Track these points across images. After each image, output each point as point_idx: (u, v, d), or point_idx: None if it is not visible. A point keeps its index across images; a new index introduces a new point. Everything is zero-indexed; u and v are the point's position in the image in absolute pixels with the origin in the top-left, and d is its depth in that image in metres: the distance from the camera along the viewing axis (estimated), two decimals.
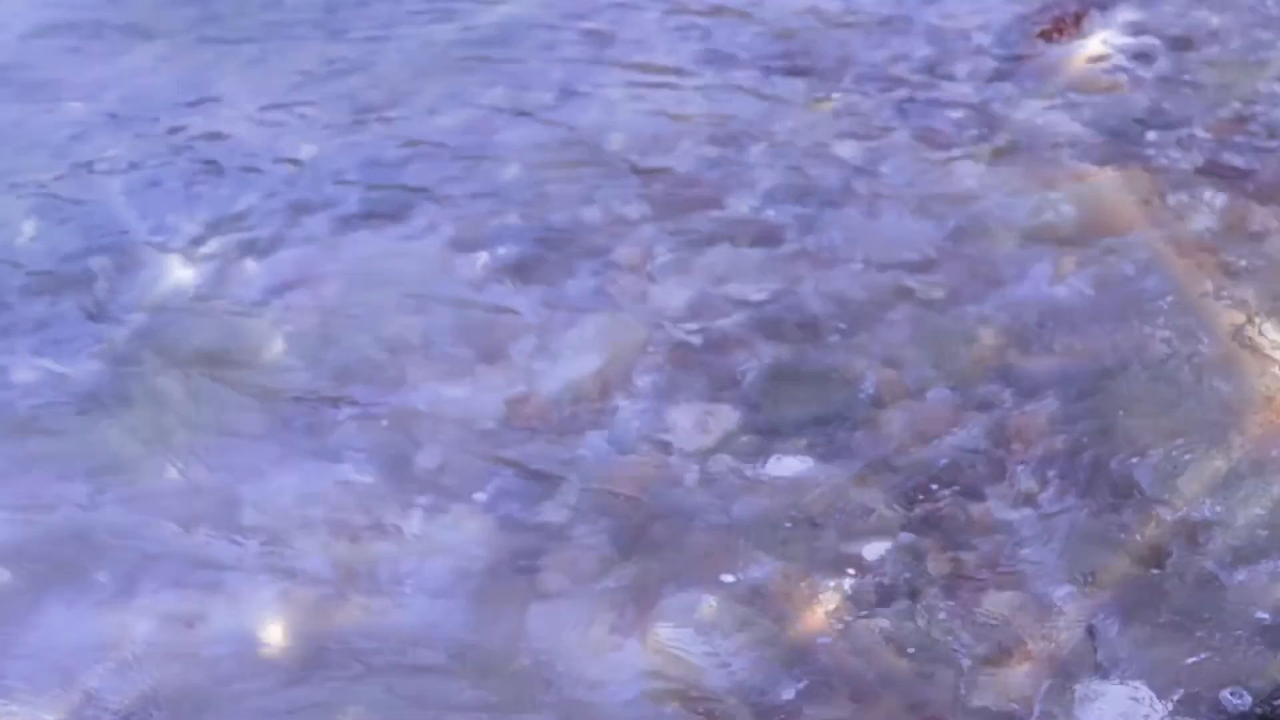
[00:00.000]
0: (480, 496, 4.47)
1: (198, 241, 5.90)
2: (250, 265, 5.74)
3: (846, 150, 6.14)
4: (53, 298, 5.65)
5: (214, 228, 5.99)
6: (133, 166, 6.58)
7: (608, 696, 3.81)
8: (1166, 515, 4.12)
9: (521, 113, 6.63)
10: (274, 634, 4.11)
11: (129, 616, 4.19)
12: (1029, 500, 4.22)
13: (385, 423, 4.82)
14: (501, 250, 5.65)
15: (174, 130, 6.91)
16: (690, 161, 6.16)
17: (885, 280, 5.26)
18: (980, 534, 4.14)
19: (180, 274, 5.71)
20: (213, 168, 6.47)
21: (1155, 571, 3.97)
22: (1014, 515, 4.15)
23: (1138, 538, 4.04)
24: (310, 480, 4.60)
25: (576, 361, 4.99)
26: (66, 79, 7.47)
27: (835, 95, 6.54)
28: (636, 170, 6.13)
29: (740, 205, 5.84)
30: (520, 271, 5.50)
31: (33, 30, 8.15)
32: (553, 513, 4.39)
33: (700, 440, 4.65)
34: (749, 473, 4.47)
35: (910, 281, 5.24)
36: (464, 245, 5.70)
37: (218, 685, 3.97)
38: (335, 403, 4.93)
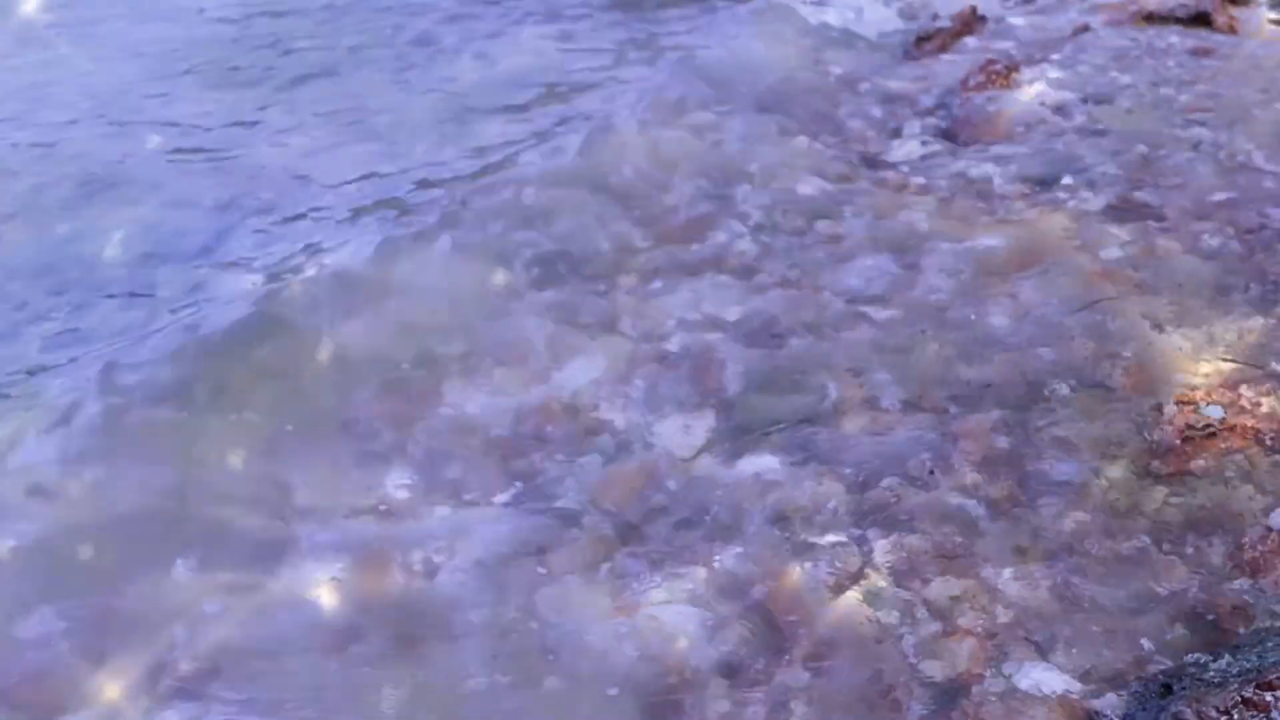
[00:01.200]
0: (503, 487, 4.43)
1: (260, 263, 5.88)
2: (306, 285, 5.68)
3: (813, 192, 6.11)
4: (138, 307, 5.62)
5: (273, 252, 5.97)
6: (208, 198, 6.57)
7: (605, 660, 3.77)
8: (1088, 507, 4.06)
9: (541, 150, 6.61)
10: (328, 601, 4.06)
11: (206, 583, 4.15)
12: (973, 493, 4.16)
13: (422, 420, 4.78)
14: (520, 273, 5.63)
15: (236, 163, 6.91)
16: (684, 198, 6.13)
17: (845, 305, 5.22)
18: (929, 523, 4.08)
19: (246, 291, 5.68)
20: (270, 201, 6.46)
21: (1080, 559, 3.90)
22: (960, 504, 4.09)
23: (1065, 528, 3.98)
24: (358, 471, 4.56)
25: (584, 371, 4.95)
26: (152, 117, 7.47)
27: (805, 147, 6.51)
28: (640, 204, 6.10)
29: (723, 238, 5.81)
30: (538, 289, 5.48)
31: (127, 74, 8.17)
32: (561, 504, 4.34)
33: (685, 441, 4.60)
34: (726, 470, 4.42)
35: (867, 306, 5.20)
36: (489, 267, 5.66)
37: (280, 644, 3.93)
38: (378, 404, 4.89)
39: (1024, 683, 3.49)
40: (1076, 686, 3.49)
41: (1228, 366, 4.58)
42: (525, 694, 3.67)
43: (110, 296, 5.80)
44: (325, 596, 4.06)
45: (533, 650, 3.83)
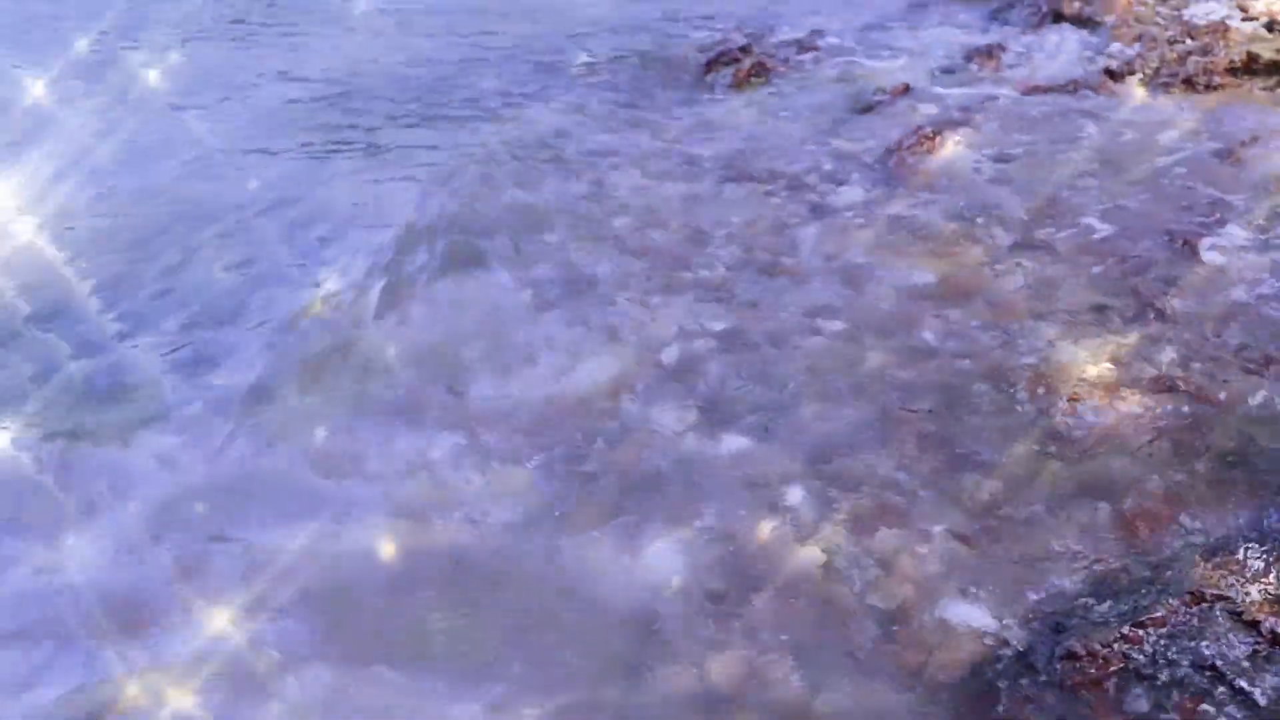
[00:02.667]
0: (530, 461, 4.43)
1: (334, 284, 5.89)
2: (369, 298, 5.71)
3: (776, 236, 6.11)
4: (238, 321, 5.64)
5: (343, 273, 5.98)
6: (292, 233, 6.58)
7: (614, 600, 3.78)
8: (1003, 480, 4.08)
9: (562, 207, 6.63)
10: (388, 550, 4.06)
11: (295, 532, 4.16)
12: (909, 466, 4.17)
13: (465, 406, 4.78)
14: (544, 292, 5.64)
15: (315, 204, 6.93)
16: (674, 237, 6.14)
17: (803, 321, 5.23)
18: (873, 489, 4.10)
19: (320, 303, 5.69)
20: (344, 235, 6.47)
21: (994, 522, 3.93)
22: (898, 476, 4.11)
23: (984, 496, 4.01)
24: (415, 445, 4.57)
25: (595, 371, 4.96)
26: (253, 168, 7.50)
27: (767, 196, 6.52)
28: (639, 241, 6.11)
29: (706, 270, 5.81)
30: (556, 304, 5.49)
31: (234, 134, 8.20)
32: (579, 473, 4.35)
33: (676, 427, 4.60)
34: (708, 449, 4.43)
35: (820, 322, 5.21)
36: (517, 287, 5.68)
37: (348, 586, 3.93)
38: (429, 393, 4.90)
39: (951, 617, 3.52)
40: (990, 622, 3.52)
41: (1109, 370, 4.61)
42: (549, 626, 3.69)
43: (213, 311, 5.81)
44: (386, 546, 4.06)
45: (554, 589, 3.85)
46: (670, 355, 5.02)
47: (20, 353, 5.58)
